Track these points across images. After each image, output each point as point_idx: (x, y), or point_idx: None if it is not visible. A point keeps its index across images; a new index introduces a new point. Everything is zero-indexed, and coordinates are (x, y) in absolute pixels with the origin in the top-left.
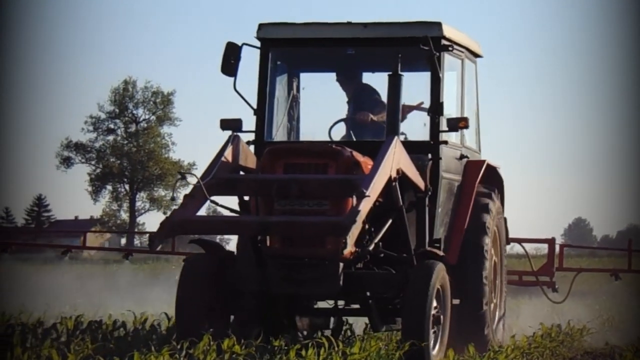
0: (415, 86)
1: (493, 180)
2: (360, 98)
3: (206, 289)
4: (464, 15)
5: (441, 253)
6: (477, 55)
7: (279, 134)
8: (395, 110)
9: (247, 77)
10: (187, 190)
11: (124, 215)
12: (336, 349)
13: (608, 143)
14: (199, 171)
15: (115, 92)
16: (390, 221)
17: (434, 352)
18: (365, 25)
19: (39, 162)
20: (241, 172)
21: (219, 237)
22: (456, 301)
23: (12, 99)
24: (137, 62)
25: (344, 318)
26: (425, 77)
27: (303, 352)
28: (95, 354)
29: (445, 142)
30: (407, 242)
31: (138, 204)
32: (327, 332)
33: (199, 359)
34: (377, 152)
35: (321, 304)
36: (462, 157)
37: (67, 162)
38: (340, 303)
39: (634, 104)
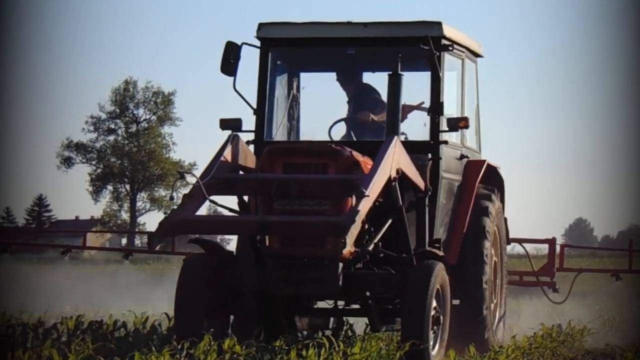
0: (415, 86)
1: (493, 180)
2: (360, 98)
3: (205, 289)
4: (464, 15)
5: (441, 253)
6: (477, 55)
7: (279, 133)
8: (395, 110)
9: (248, 77)
10: (187, 190)
11: (125, 216)
12: (337, 349)
13: (609, 143)
14: (199, 171)
15: (116, 92)
16: (390, 221)
17: (434, 352)
18: (365, 24)
19: (40, 162)
20: (240, 172)
21: (219, 237)
22: (456, 302)
23: (13, 99)
24: (138, 62)
25: (344, 318)
26: (425, 76)
27: (304, 352)
28: (96, 354)
29: (446, 142)
30: (407, 242)
31: (139, 204)
32: (328, 332)
33: (199, 359)
34: (377, 152)
35: (321, 304)
36: (462, 157)
37: (67, 162)
38: (341, 303)
39: (635, 103)
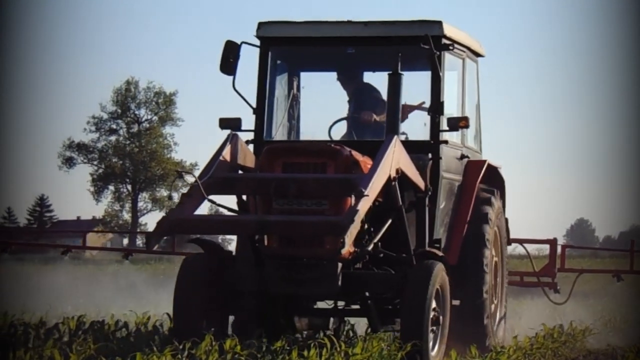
0: (415, 85)
1: (494, 180)
2: (361, 97)
3: (204, 289)
4: (465, 14)
5: (440, 253)
6: (478, 55)
7: (279, 133)
8: (395, 110)
9: (248, 76)
10: (187, 189)
11: (126, 216)
12: (338, 349)
13: (611, 143)
14: (200, 171)
15: (117, 92)
16: (389, 221)
17: (433, 352)
18: (365, 24)
19: (41, 162)
20: (240, 171)
21: (221, 237)
22: (456, 302)
23: (15, 99)
24: (140, 63)
25: (345, 318)
26: (425, 76)
27: (305, 353)
28: (97, 354)
29: (446, 142)
30: (407, 242)
31: (140, 204)
32: (329, 333)
33: (201, 359)
34: (377, 151)
35: (321, 304)
36: (462, 156)
37: (69, 162)
38: (341, 303)
39: (637, 103)
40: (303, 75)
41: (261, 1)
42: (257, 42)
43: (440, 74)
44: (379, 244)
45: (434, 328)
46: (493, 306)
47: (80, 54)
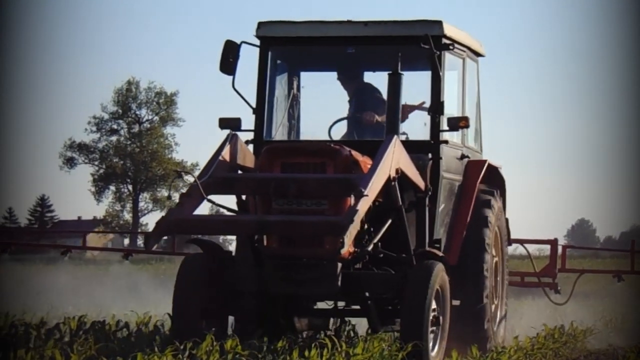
0: (415, 85)
1: (494, 180)
2: (362, 97)
3: (204, 288)
4: (465, 13)
5: (440, 253)
6: (478, 55)
7: (279, 133)
8: (395, 110)
9: (248, 76)
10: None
11: (127, 216)
12: (339, 349)
13: (611, 143)
14: (199, 171)
15: (118, 92)
16: (389, 221)
17: (433, 353)
18: (365, 23)
19: (42, 162)
20: (239, 172)
21: (222, 237)
22: (456, 302)
23: (15, 99)
24: (140, 63)
25: (347, 318)
26: (426, 76)
27: (306, 353)
28: (98, 354)
29: (446, 142)
30: (407, 242)
31: (141, 204)
32: (330, 333)
33: (201, 359)
34: (376, 151)
35: (321, 305)
36: (463, 156)
37: (70, 162)
38: (341, 304)
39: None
40: (303, 75)
41: (261, 1)
42: (257, 42)
43: (441, 73)
44: (379, 244)
45: (434, 328)
46: (494, 306)
47: (81, 54)
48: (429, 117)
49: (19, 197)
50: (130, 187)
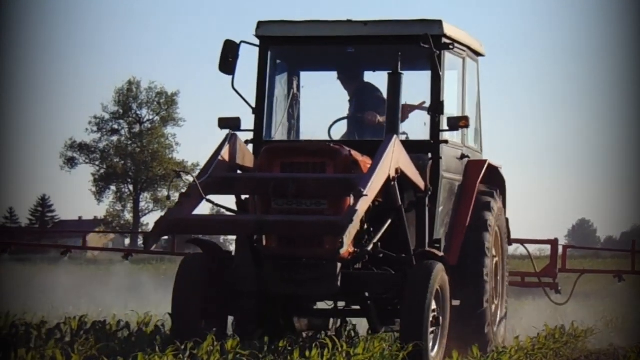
0: (415, 85)
1: (494, 180)
2: (362, 97)
3: (203, 288)
4: (465, 13)
5: (440, 253)
6: (478, 54)
7: (279, 133)
8: (395, 109)
9: (248, 76)
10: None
11: (128, 216)
12: (340, 349)
13: (611, 143)
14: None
15: (119, 92)
16: (389, 221)
17: (433, 353)
18: (365, 23)
19: (43, 162)
20: (239, 171)
21: (222, 237)
22: (456, 302)
23: (16, 99)
24: (141, 63)
25: (347, 318)
26: (425, 75)
27: (307, 353)
28: (99, 354)
29: (446, 142)
30: (407, 242)
31: (142, 204)
32: (331, 333)
33: (202, 359)
34: (376, 151)
35: (321, 305)
36: (463, 156)
37: (71, 162)
38: (341, 304)
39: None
40: (303, 75)
41: (261, 1)
42: (257, 42)
43: (441, 73)
44: (379, 244)
45: (434, 328)
46: (494, 306)
47: (82, 54)
48: (429, 117)
49: (19, 197)
50: (131, 187)
